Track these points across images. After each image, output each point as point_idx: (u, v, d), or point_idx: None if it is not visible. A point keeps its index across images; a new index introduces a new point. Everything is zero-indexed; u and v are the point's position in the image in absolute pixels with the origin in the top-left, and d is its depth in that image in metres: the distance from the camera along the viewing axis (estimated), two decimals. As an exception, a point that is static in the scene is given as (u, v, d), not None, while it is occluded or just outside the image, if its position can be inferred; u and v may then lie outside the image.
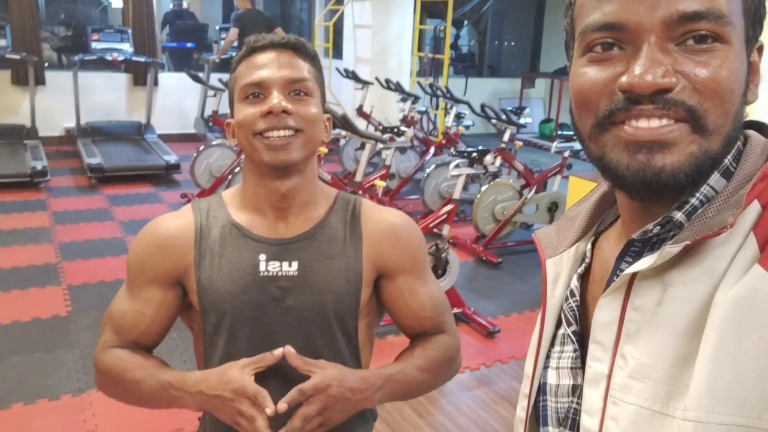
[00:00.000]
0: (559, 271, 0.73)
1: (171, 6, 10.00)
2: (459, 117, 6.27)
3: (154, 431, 2.46)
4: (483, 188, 4.57)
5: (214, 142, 5.52)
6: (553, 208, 4.66)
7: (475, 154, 3.93)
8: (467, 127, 6.18)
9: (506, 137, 5.06)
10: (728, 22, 0.56)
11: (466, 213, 5.27)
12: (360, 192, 4.14)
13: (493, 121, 5.40)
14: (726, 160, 0.61)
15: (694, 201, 0.60)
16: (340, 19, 7.93)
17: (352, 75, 6.91)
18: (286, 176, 1.08)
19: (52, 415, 2.55)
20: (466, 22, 10.06)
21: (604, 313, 0.63)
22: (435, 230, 4.00)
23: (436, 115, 7.93)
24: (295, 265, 1.10)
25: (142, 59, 7.13)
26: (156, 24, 7.88)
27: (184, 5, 10.32)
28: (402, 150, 5.33)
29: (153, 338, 1.16)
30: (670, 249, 0.57)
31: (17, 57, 6.60)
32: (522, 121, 5.37)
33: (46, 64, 7.67)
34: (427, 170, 5.11)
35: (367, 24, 7.40)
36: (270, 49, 1.08)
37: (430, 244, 3.49)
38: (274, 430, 1.01)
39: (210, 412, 1.09)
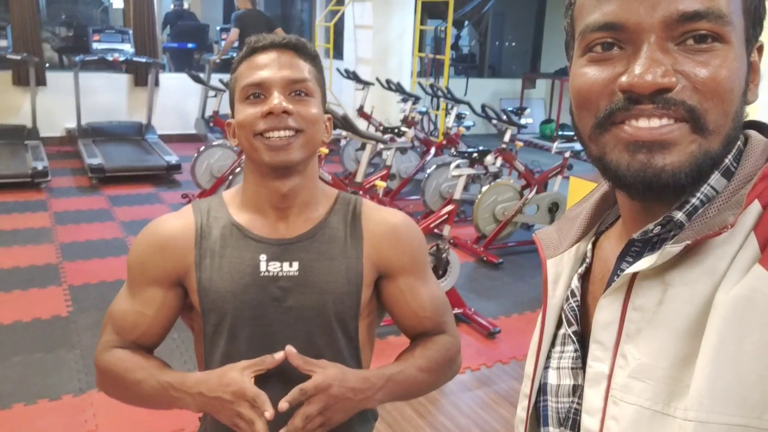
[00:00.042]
0: (560, 271, 0.73)
1: (172, 6, 10.00)
2: (460, 117, 6.27)
3: (155, 431, 2.46)
4: (484, 189, 4.57)
5: (214, 143, 5.52)
6: (554, 209, 4.66)
7: (475, 155, 3.93)
8: (468, 128, 6.18)
9: (507, 138, 5.06)
10: (728, 22, 0.56)
11: (466, 213, 5.27)
12: (361, 192, 4.15)
13: (494, 121, 5.40)
14: (726, 160, 0.61)
15: (694, 201, 0.60)
16: (341, 19, 7.93)
17: (352, 75, 6.91)
18: (286, 176, 1.08)
19: (53, 416, 2.55)
20: (466, 23, 10.06)
21: (605, 313, 0.63)
22: (436, 231, 3.99)
23: (436, 116, 7.93)
24: (295, 265, 1.10)
25: (143, 60, 7.14)
26: (157, 24, 7.89)
27: (185, 6, 10.33)
28: (403, 150, 5.33)
29: (154, 338, 1.16)
30: (671, 249, 0.57)
31: (18, 57, 6.60)
32: (523, 121, 5.37)
33: (47, 65, 7.68)
34: (428, 171, 5.11)
35: (368, 24, 7.40)
36: (271, 50, 1.08)
37: (430, 244, 3.49)
38: (275, 430, 1.01)
39: (210, 414, 1.09)
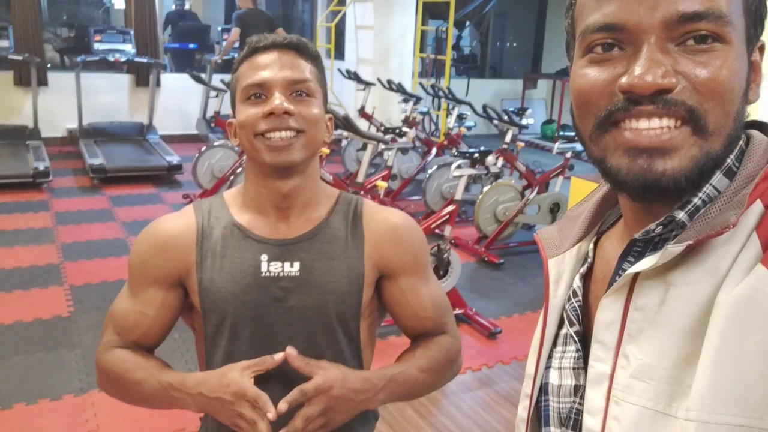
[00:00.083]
0: (561, 271, 0.73)
1: (173, 7, 10.01)
2: (461, 118, 6.26)
3: (156, 431, 2.46)
4: (485, 189, 4.57)
5: (216, 143, 5.52)
6: (555, 209, 4.66)
7: (477, 155, 3.92)
8: (469, 128, 6.18)
9: (508, 138, 5.06)
10: (728, 22, 0.56)
11: (467, 214, 5.27)
12: (362, 192, 4.15)
13: (495, 122, 5.40)
14: (728, 160, 0.61)
15: (696, 201, 0.60)
16: (342, 20, 7.93)
17: (354, 76, 6.91)
18: (287, 176, 1.08)
19: (54, 415, 2.55)
20: (468, 23, 10.06)
21: (607, 313, 0.63)
22: (437, 231, 3.99)
23: (438, 116, 7.93)
24: (296, 265, 1.10)
25: (144, 60, 7.14)
26: (158, 25, 7.89)
27: (186, 6, 10.33)
28: (404, 151, 5.33)
29: (154, 339, 1.16)
30: (673, 249, 0.57)
31: (20, 58, 6.61)
32: (524, 122, 5.36)
33: (49, 65, 7.68)
34: (429, 171, 5.11)
35: (369, 25, 7.40)
36: (272, 50, 1.08)
37: (431, 244, 3.49)
38: (275, 431, 1.01)
39: (211, 414, 1.09)
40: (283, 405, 1.00)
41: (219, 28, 9.07)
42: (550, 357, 0.72)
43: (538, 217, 4.66)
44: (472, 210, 4.74)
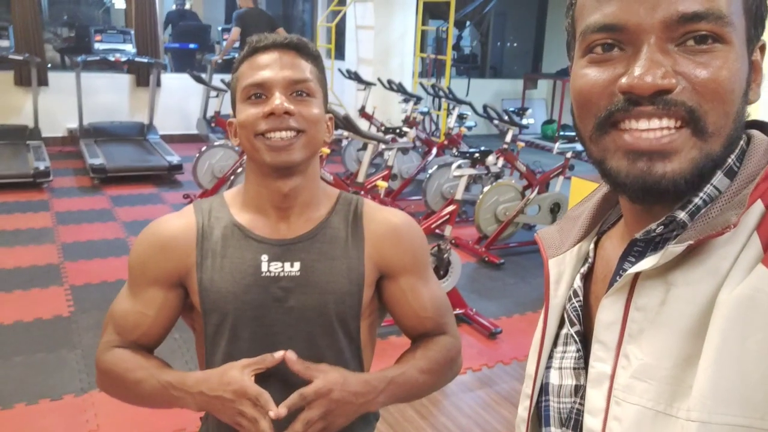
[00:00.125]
0: (562, 271, 0.73)
1: (174, 6, 10.00)
2: (461, 118, 6.26)
3: (156, 431, 2.46)
4: (485, 189, 4.57)
5: (216, 143, 5.52)
6: (556, 209, 4.65)
7: (477, 155, 3.92)
8: (469, 128, 6.18)
9: (508, 138, 5.06)
10: (728, 23, 0.56)
11: (468, 214, 5.27)
12: (362, 192, 4.15)
13: (496, 122, 5.40)
14: (729, 160, 0.61)
15: (697, 201, 0.60)
16: (343, 20, 7.93)
17: (354, 76, 6.91)
18: (287, 176, 1.08)
19: (55, 415, 2.55)
20: (468, 23, 10.06)
21: (607, 313, 0.63)
22: (437, 231, 3.99)
23: (438, 116, 7.93)
24: (297, 265, 1.10)
25: (145, 60, 7.14)
26: (159, 25, 7.89)
27: (187, 6, 10.33)
28: (404, 151, 5.33)
29: (154, 339, 1.16)
30: (674, 249, 0.57)
31: (20, 58, 6.61)
32: (524, 122, 5.36)
33: (49, 65, 7.69)
34: (430, 171, 5.11)
35: (370, 25, 7.40)
36: (272, 50, 1.08)
37: (432, 244, 3.49)
38: None
39: (211, 413, 1.09)
40: (282, 409, 0.99)
41: (219, 28, 9.06)
42: (550, 357, 0.72)
43: (539, 218, 4.66)
44: (473, 210, 4.74)
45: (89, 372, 2.83)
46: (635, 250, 0.64)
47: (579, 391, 0.67)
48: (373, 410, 1.14)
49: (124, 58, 7.01)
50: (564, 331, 0.71)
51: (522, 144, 5.56)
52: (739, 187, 0.59)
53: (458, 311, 3.46)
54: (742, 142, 0.62)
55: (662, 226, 0.61)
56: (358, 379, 1.08)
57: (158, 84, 7.57)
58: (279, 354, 1.05)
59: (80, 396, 2.68)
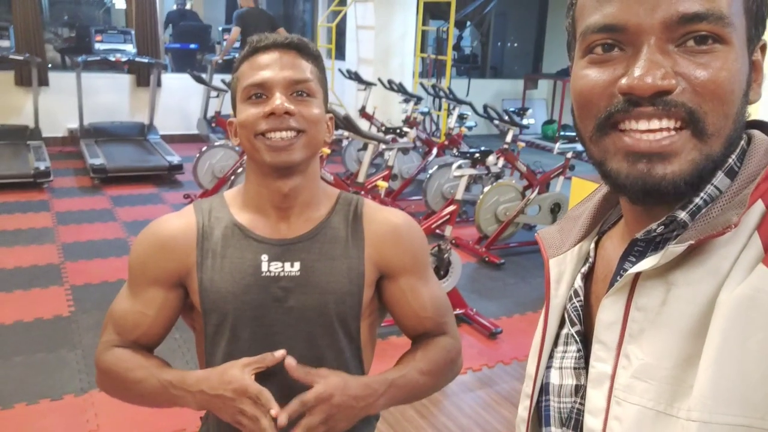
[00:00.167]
0: (563, 271, 0.73)
1: (174, 6, 10.00)
2: (462, 118, 6.26)
3: (156, 431, 2.46)
4: (486, 189, 4.57)
5: (216, 143, 5.53)
6: (556, 209, 4.65)
7: (477, 155, 3.92)
8: (470, 128, 6.18)
9: (509, 138, 5.06)
10: (729, 23, 0.56)
11: (468, 214, 5.27)
12: (362, 193, 4.15)
13: (496, 122, 5.40)
14: (730, 160, 0.60)
15: (698, 201, 0.60)
16: (343, 20, 7.93)
17: (354, 76, 6.91)
18: (287, 176, 1.08)
19: (55, 415, 2.55)
20: (468, 24, 10.05)
21: (608, 313, 0.63)
22: (437, 231, 3.99)
23: (438, 116, 7.93)
24: (297, 265, 1.10)
25: (145, 60, 7.14)
26: (159, 25, 7.90)
27: (187, 6, 10.33)
28: (404, 151, 5.33)
29: (154, 338, 1.16)
30: (674, 249, 0.57)
31: (21, 58, 6.61)
32: (525, 122, 5.36)
33: (50, 65, 7.69)
34: (430, 171, 5.11)
35: (370, 25, 7.40)
36: (273, 50, 1.08)
37: (432, 244, 3.49)
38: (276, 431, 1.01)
39: (212, 412, 1.09)
40: (283, 417, 0.99)
41: (220, 28, 9.06)
42: (551, 357, 0.72)
43: (539, 218, 4.66)
44: (473, 210, 4.74)
45: (89, 372, 2.83)
46: (636, 250, 0.64)
47: (579, 391, 0.67)
48: (374, 413, 1.14)
49: (124, 59, 7.01)
50: (564, 330, 0.71)
51: (522, 144, 5.57)
52: (740, 187, 0.59)
53: (458, 311, 3.46)
54: (742, 142, 0.62)
55: (663, 226, 0.61)
56: (359, 382, 1.07)
57: (159, 84, 7.57)
58: (279, 353, 1.05)
59: (80, 396, 2.68)
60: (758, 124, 0.65)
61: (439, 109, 7.80)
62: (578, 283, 0.71)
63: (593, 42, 0.60)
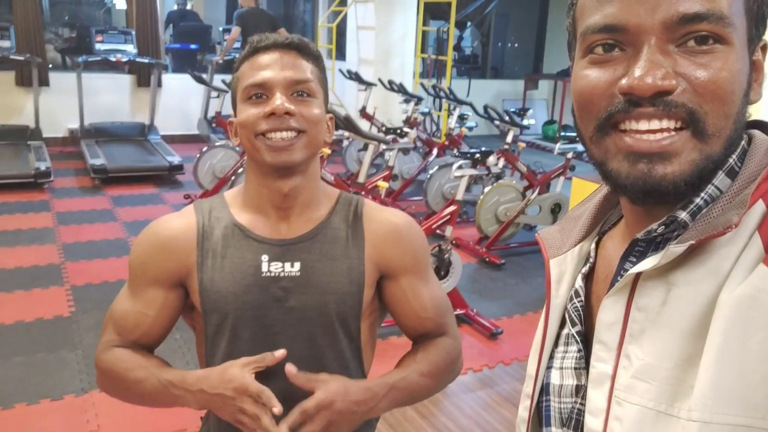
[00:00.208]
0: (563, 271, 0.73)
1: (175, 7, 10.01)
2: (462, 118, 6.26)
3: (157, 431, 2.46)
4: (486, 189, 4.57)
5: (217, 143, 5.53)
6: (556, 210, 4.65)
7: (478, 156, 3.92)
8: (470, 129, 6.18)
9: (509, 138, 5.05)
10: (729, 23, 0.56)
11: (469, 214, 5.27)
12: (363, 193, 4.15)
13: (496, 122, 5.40)
14: (730, 160, 0.60)
15: (698, 201, 0.60)
16: (344, 20, 7.93)
17: (355, 76, 6.91)
18: (288, 176, 1.08)
19: (55, 416, 2.55)
20: (469, 24, 10.06)
21: (608, 313, 0.63)
22: (438, 231, 3.99)
23: (439, 117, 7.93)
24: (297, 265, 1.10)
25: (146, 60, 7.15)
26: (160, 25, 7.90)
27: (188, 6, 10.33)
28: (405, 151, 5.33)
29: (155, 338, 1.16)
30: (675, 249, 0.57)
31: (21, 58, 6.61)
32: (525, 122, 5.36)
33: (50, 66, 7.69)
34: (430, 171, 5.11)
35: (371, 25, 7.41)
36: (273, 50, 1.08)
37: (432, 245, 3.49)
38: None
39: (212, 411, 1.09)
40: (284, 428, 0.99)
41: (220, 29, 9.07)
42: (551, 357, 0.72)
43: (540, 218, 4.66)
44: (473, 210, 4.74)
45: (90, 372, 2.83)
46: (636, 250, 0.64)
47: (580, 391, 0.67)
48: (375, 416, 1.14)
49: (125, 59, 7.02)
50: (565, 331, 0.71)
51: (523, 144, 5.57)
52: (741, 187, 0.59)
53: (459, 312, 3.46)
54: (743, 142, 0.62)
55: (663, 226, 0.61)
56: (360, 387, 1.07)
57: (159, 84, 7.57)
58: (279, 353, 1.05)
59: (81, 396, 2.68)
60: (759, 124, 0.65)
61: (440, 110, 7.80)
62: (579, 283, 0.71)
63: (594, 42, 0.60)
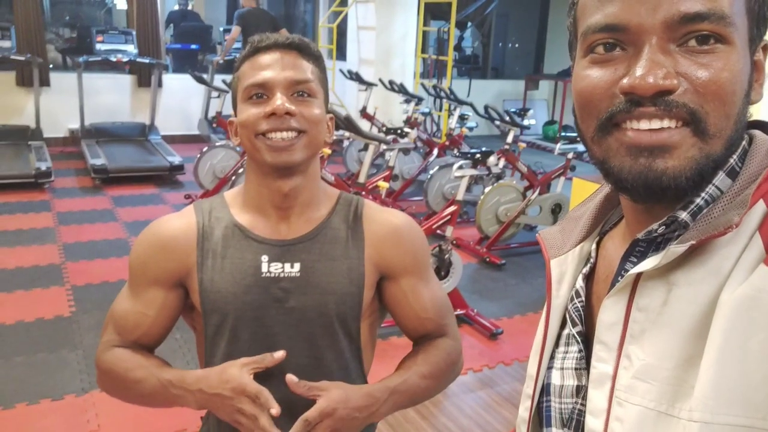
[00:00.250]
0: (564, 271, 0.73)
1: (176, 7, 10.01)
2: (462, 118, 6.26)
3: (157, 431, 2.46)
4: (486, 190, 4.57)
5: (217, 144, 5.53)
6: (557, 210, 4.65)
7: (478, 156, 3.92)
8: (471, 129, 6.18)
9: (510, 139, 5.05)
10: (730, 23, 0.56)
11: (469, 214, 5.27)
12: (363, 193, 4.15)
13: (497, 122, 5.40)
14: (731, 160, 0.60)
15: (699, 201, 0.60)
16: (344, 20, 7.93)
17: (355, 76, 6.91)
18: (288, 176, 1.08)
19: (56, 415, 2.55)
20: (469, 24, 10.06)
21: (609, 313, 0.62)
22: (438, 231, 3.99)
23: (439, 117, 7.93)
24: (297, 266, 1.10)
25: (147, 61, 7.15)
26: (160, 25, 7.90)
27: (189, 6, 10.33)
28: (405, 151, 5.33)
29: (155, 339, 1.16)
30: (676, 249, 0.57)
31: (22, 58, 6.62)
32: (525, 122, 5.36)
33: (51, 66, 7.69)
34: (431, 172, 5.11)
35: (371, 26, 7.41)
36: (274, 50, 1.08)
37: (433, 245, 3.49)
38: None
39: (211, 411, 1.09)
40: None
41: (221, 29, 9.07)
42: (552, 357, 0.72)
43: (540, 218, 4.66)
44: (474, 211, 4.74)
45: (90, 372, 2.83)
46: (637, 250, 0.64)
47: (580, 391, 0.67)
48: (377, 421, 1.14)
49: (125, 59, 7.02)
50: (566, 331, 0.71)
51: (523, 145, 5.57)
52: (741, 187, 0.58)
53: (459, 312, 3.46)
54: (744, 143, 0.62)
55: (664, 227, 0.61)
56: (361, 392, 1.07)
57: (160, 84, 7.58)
58: (279, 354, 1.05)
59: (81, 396, 2.68)
60: (759, 125, 0.65)
61: (440, 110, 7.80)
62: (579, 283, 0.71)
63: (595, 41, 0.59)
